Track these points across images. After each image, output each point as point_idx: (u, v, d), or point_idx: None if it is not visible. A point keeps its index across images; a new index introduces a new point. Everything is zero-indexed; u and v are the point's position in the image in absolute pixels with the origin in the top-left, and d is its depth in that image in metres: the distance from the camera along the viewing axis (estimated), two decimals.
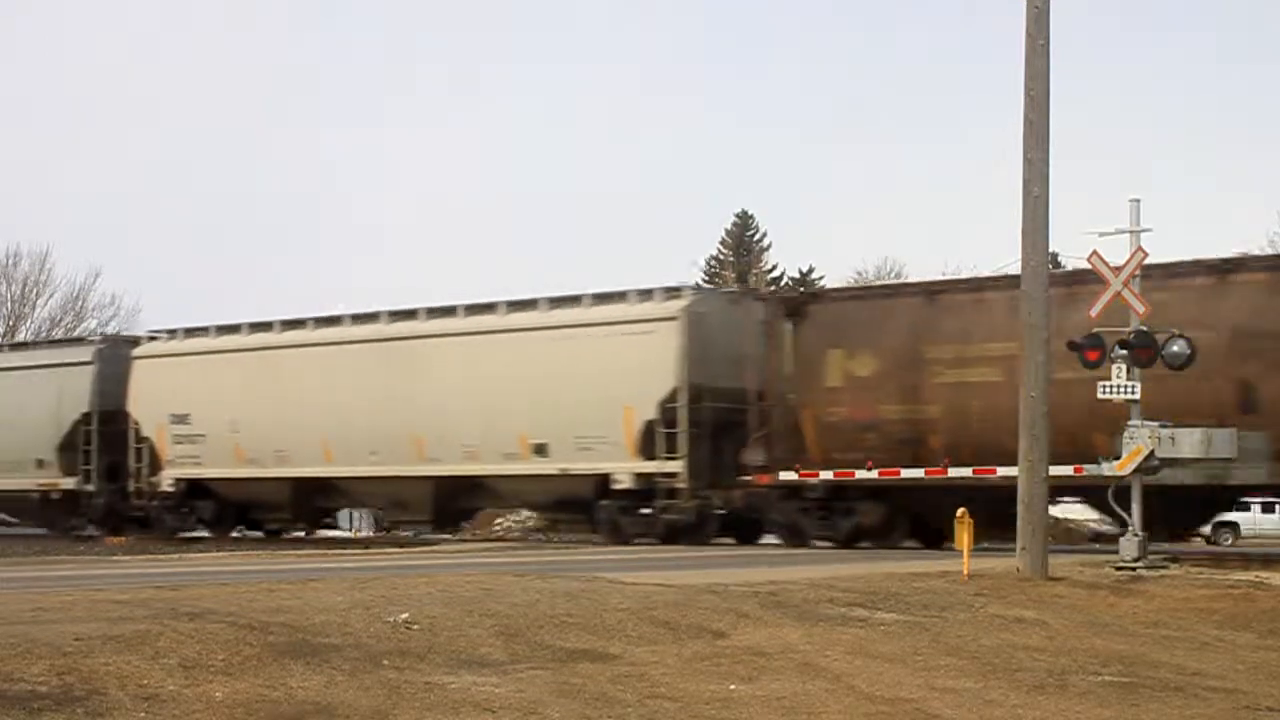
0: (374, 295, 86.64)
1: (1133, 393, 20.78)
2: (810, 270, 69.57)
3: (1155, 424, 20.87)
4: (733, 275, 71.90)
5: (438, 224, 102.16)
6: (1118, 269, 20.96)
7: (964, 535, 18.85)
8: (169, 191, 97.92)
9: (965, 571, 18.18)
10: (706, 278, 72.91)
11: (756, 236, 75.95)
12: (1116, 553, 20.77)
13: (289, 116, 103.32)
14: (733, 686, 11.70)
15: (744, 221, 75.58)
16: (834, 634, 14.04)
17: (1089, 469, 22.20)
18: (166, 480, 36.51)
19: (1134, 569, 19.97)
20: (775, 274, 72.64)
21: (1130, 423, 20.92)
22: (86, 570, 20.97)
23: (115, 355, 38.23)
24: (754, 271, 73.02)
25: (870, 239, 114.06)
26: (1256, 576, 19.52)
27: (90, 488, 37.80)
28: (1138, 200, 21.32)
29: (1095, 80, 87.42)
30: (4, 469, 39.08)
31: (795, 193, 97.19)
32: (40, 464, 38.42)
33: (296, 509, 36.08)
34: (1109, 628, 15.62)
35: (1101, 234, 21.34)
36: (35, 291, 67.54)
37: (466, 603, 14.09)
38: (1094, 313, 21.09)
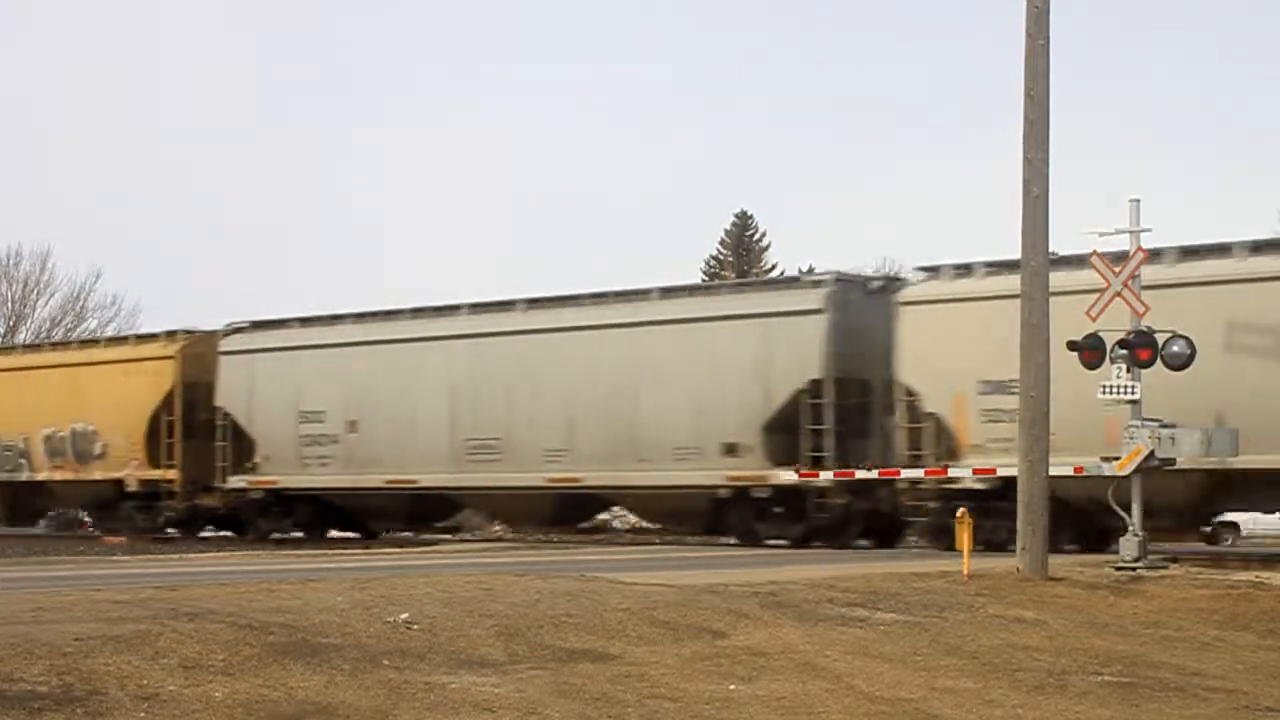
0: (373, 295, 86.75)
1: (1133, 393, 20.79)
2: (810, 270, 69.56)
3: (1155, 424, 20.88)
4: (733, 275, 71.93)
5: (438, 224, 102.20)
6: (1118, 269, 20.99)
7: (964, 535, 18.86)
8: (169, 191, 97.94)
9: (965, 571, 18.18)
10: (706, 277, 72.99)
11: (756, 236, 75.98)
12: (1116, 553, 20.78)
13: (289, 116, 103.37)
14: (733, 686, 11.70)
15: (744, 221, 75.62)
16: (834, 634, 14.04)
17: (1089, 469, 22.21)
18: (971, 470, 25.50)
19: (1134, 569, 19.97)
20: (776, 274, 72.65)
21: (1130, 422, 20.93)
22: (86, 570, 20.97)
23: (860, 300, 28.37)
24: (754, 271, 73.03)
25: (870, 239, 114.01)
26: (1256, 576, 19.52)
27: (825, 482, 27.38)
28: (1138, 200, 21.34)
29: (1095, 80, 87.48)
30: (665, 457, 29.28)
31: (795, 193, 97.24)
32: (731, 449, 28.53)
33: None
34: (1109, 628, 15.62)
35: (1101, 234, 21.37)
36: (36, 291, 67.54)
37: (466, 603, 14.10)
38: (1094, 313, 21.11)
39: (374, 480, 32.97)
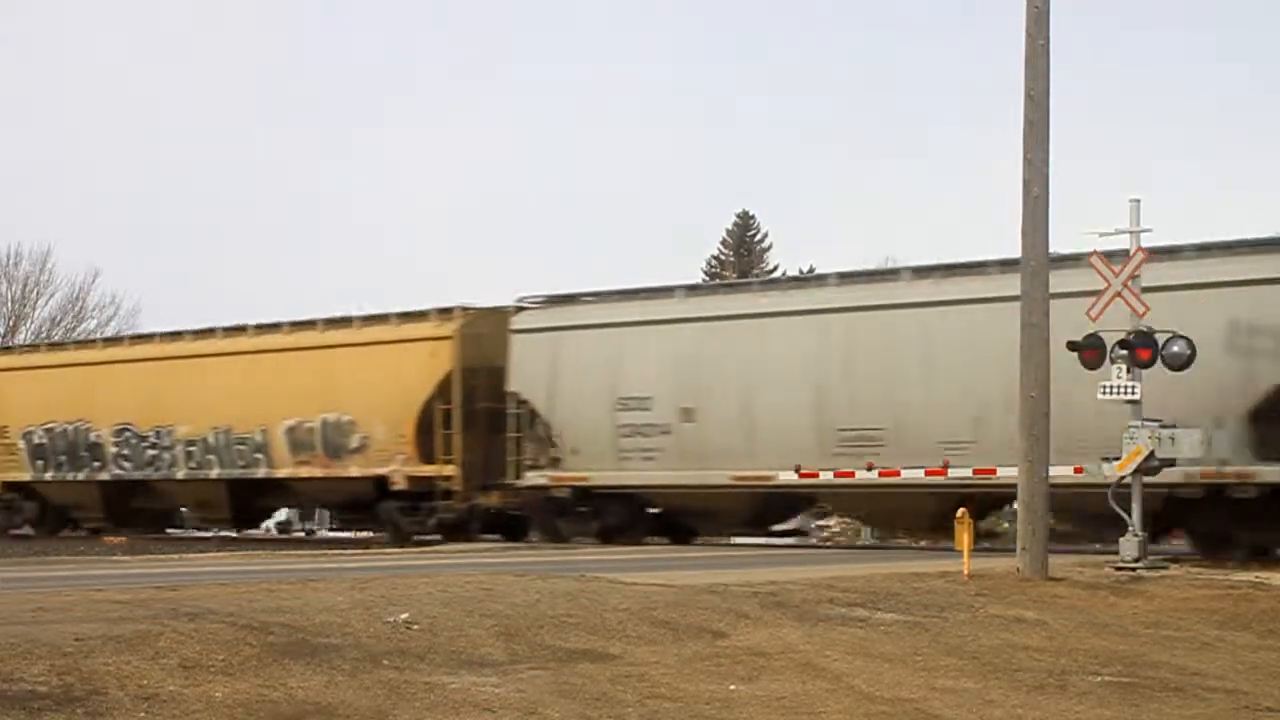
0: (373, 295, 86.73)
1: (1133, 393, 20.80)
2: (811, 270, 69.62)
3: (1155, 424, 20.89)
4: (734, 275, 71.96)
5: (438, 224, 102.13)
6: (1118, 269, 21.00)
7: (964, 535, 18.86)
8: (169, 191, 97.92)
9: (965, 572, 18.19)
10: (708, 277, 73.03)
11: (757, 237, 76.01)
12: (1116, 553, 20.79)
13: (289, 116, 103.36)
14: (733, 686, 11.70)
15: (745, 221, 75.62)
16: (834, 634, 14.05)
17: (1089, 469, 22.21)
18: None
19: (1134, 569, 19.97)
20: (776, 274, 72.70)
21: (1130, 423, 20.94)
22: (86, 570, 20.98)
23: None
24: (755, 271, 73.06)
25: (870, 239, 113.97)
26: (1256, 576, 19.53)
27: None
28: (1138, 200, 21.36)
29: (1095, 80, 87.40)
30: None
31: (795, 193, 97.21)
32: None
33: None
34: (1109, 628, 15.62)
35: (1101, 234, 21.38)
36: (36, 291, 67.54)
37: (467, 603, 14.10)
38: (1094, 313, 21.12)
39: (716, 476, 28.47)
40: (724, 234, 75.66)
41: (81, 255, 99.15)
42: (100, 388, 37.77)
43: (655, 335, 29.40)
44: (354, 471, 33.26)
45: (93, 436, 37.94)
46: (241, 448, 35.23)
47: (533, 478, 30.49)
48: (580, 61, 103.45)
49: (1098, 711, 11.73)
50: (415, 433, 31.92)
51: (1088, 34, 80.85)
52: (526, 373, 30.66)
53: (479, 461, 31.62)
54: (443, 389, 31.83)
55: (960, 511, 19.39)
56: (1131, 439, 20.83)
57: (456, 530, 32.17)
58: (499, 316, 31.77)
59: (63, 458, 38.61)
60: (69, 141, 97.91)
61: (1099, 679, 12.92)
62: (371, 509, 33.75)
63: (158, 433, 36.66)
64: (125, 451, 37.41)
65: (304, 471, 34.24)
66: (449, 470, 31.66)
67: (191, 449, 36.01)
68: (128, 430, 37.33)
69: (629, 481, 29.56)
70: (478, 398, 31.73)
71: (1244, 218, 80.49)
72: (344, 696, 10.47)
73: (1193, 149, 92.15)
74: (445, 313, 32.63)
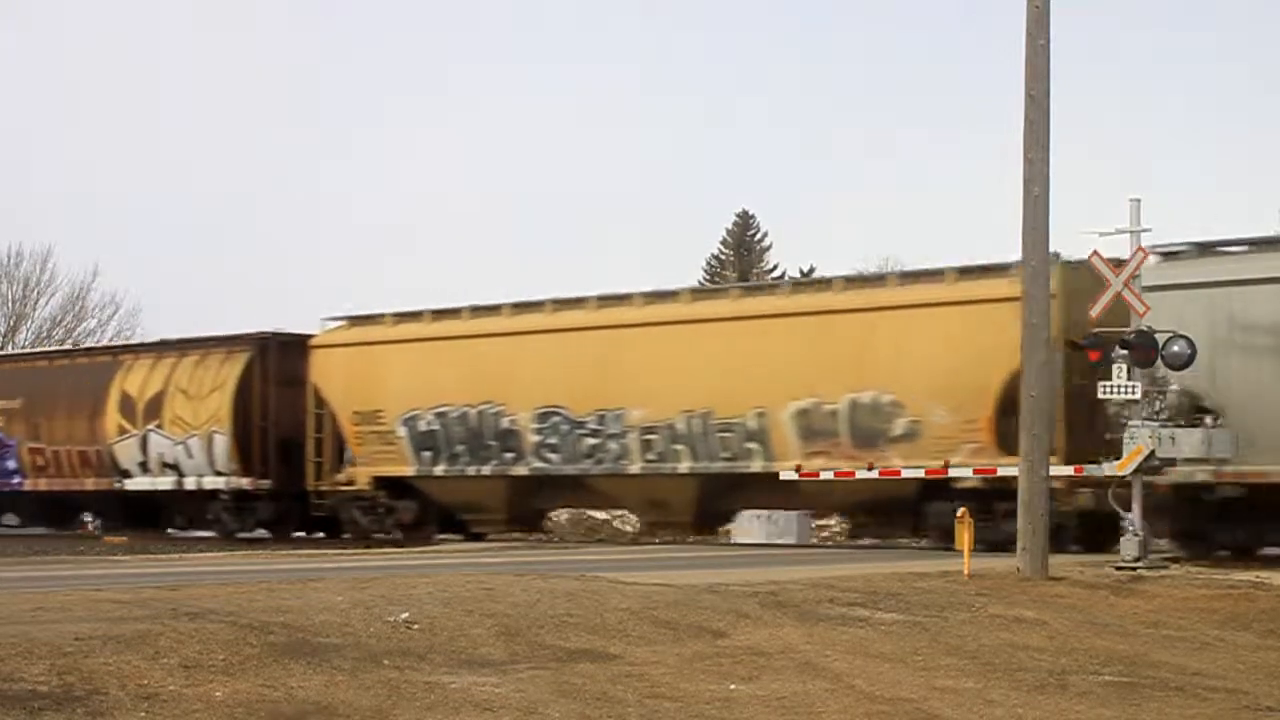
0: (372, 296, 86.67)
1: (1133, 393, 20.80)
2: (811, 270, 69.62)
3: (1155, 424, 20.89)
4: (734, 275, 71.97)
5: (438, 224, 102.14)
6: (1119, 268, 20.99)
7: (964, 535, 18.86)
8: (169, 191, 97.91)
9: (966, 571, 18.19)
10: (707, 277, 73.01)
11: (757, 236, 76.05)
12: (1117, 552, 20.79)
13: (289, 116, 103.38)
14: (733, 686, 11.70)
15: (745, 221, 75.67)
16: (834, 634, 14.05)
17: (1089, 469, 22.20)
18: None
19: (1134, 569, 19.97)
20: (776, 274, 72.72)
21: (1130, 423, 20.94)
22: (86, 570, 20.98)
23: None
24: (755, 271, 73.08)
25: (870, 239, 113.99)
26: (1256, 576, 19.51)
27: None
28: (1138, 200, 21.34)
29: (1095, 80, 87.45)
30: None
31: (795, 193, 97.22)
32: None
33: None
34: (1109, 628, 15.62)
35: (1101, 234, 21.37)
36: (36, 291, 67.52)
37: (467, 602, 14.10)
38: (1094, 313, 21.11)
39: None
40: (724, 234, 75.77)
41: (82, 255, 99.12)
42: (517, 363, 30.75)
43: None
44: (898, 463, 26.17)
45: (505, 423, 30.69)
46: (728, 435, 28.12)
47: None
48: (580, 61, 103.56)
49: (1098, 711, 11.73)
50: (994, 418, 25.03)
51: (1088, 34, 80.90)
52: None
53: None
54: None
55: (960, 511, 19.39)
56: (1131, 439, 20.83)
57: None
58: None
59: (460, 448, 31.32)
60: (69, 142, 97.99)
61: (1099, 679, 12.92)
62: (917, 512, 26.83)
63: (600, 417, 29.72)
64: (552, 440, 30.30)
65: (820, 463, 26.89)
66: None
67: (651, 437, 29.12)
68: (557, 414, 30.27)
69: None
70: None
71: (1244, 218, 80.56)
72: (344, 696, 10.48)
73: (1193, 149, 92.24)
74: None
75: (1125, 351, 20.74)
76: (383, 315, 33.07)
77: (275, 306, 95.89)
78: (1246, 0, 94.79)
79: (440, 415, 31.47)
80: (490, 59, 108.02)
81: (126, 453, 36.53)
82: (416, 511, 32.41)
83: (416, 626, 12.74)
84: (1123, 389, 20.79)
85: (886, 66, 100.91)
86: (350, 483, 32.78)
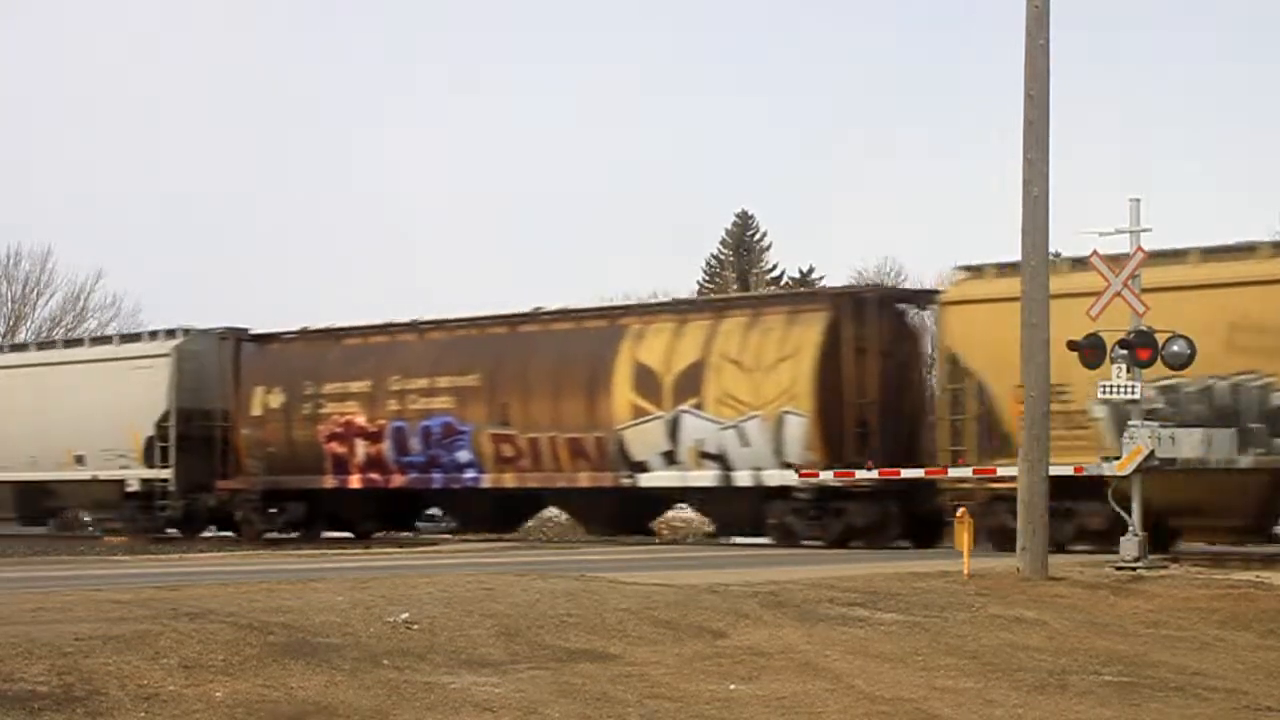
0: (372, 295, 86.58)
1: (1133, 393, 20.79)
2: (810, 270, 69.63)
3: (1155, 424, 20.89)
4: (733, 275, 71.96)
5: (438, 224, 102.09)
6: (1118, 268, 20.99)
7: (964, 535, 18.86)
8: (169, 191, 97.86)
9: (966, 571, 18.19)
10: (707, 277, 73.03)
11: (757, 237, 75.99)
12: (1117, 552, 20.78)
13: (289, 116, 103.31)
14: (733, 686, 11.71)
15: (744, 221, 75.62)
16: (834, 634, 14.05)
17: (1089, 469, 22.20)
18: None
19: (1134, 569, 19.97)
20: (776, 274, 72.71)
21: (1130, 423, 20.93)
22: (86, 570, 20.99)
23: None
24: (754, 272, 73.06)
25: (870, 239, 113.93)
26: (1256, 576, 19.52)
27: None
28: (1138, 200, 21.35)
29: (1095, 80, 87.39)
30: None
31: (795, 193, 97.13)
32: None
33: None
34: (1109, 628, 15.62)
35: (1101, 234, 21.37)
36: (36, 291, 67.52)
37: (466, 602, 14.10)
38: (1094, 312, 21.11)
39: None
40: (723, 234, 75.73)
41: (82, 255, 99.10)
42: None
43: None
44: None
45: (1276, 399, 23.38)
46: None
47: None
48: (580, 61, 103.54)
49: (1098, 711, 11.74)
50: None
51: (1088, 34, 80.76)
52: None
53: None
54: None
55: (960, 511, 19.39)
56: (1131, 439, 20.82)
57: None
58: None
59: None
60: (69, 141, 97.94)
61: (1099, 679, 12.92)
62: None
63: None
64: None
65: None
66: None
67: None
68: None
69: None
70: None
71: (1244, 217, 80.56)
72: (344, 696, 10.48)
73: (1193, 149, 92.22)
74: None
75: (1125, 351, 20.74)
76: (977, 268, 26.57)
77: (275, 306, 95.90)
78: (1246, 0, 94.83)
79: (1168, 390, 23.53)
80: (490, 59, 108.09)
81: (644, 440, 29.38)
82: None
83: (416, 627, 12.74)
84: (1123, 389, 20.79)
85: (886, 66, 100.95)
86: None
